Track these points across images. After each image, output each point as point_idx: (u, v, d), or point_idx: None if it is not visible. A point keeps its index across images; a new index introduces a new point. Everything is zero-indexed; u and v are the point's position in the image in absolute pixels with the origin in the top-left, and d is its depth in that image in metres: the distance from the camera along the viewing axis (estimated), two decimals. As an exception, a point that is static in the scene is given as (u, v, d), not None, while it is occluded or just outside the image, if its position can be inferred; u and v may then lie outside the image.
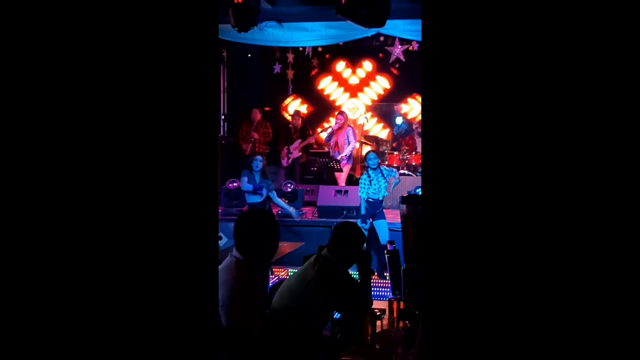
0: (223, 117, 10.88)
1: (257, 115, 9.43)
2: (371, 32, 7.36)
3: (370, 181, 6.64)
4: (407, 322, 2.81)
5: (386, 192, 6.73)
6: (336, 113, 8.98)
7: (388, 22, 6.51)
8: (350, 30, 7.34)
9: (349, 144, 8.56)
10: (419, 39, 8.03)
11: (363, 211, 6.62)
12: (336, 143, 8.71)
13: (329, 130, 8.83)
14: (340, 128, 8.63)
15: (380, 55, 10.80)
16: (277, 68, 11.10)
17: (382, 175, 6.66)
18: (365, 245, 4.04)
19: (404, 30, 7.50)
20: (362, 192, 6.64)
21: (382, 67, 11.02)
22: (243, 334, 2.22)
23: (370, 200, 6.66)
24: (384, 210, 6.79)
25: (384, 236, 6.63)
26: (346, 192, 7.73)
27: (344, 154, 8.53)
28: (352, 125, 8.94)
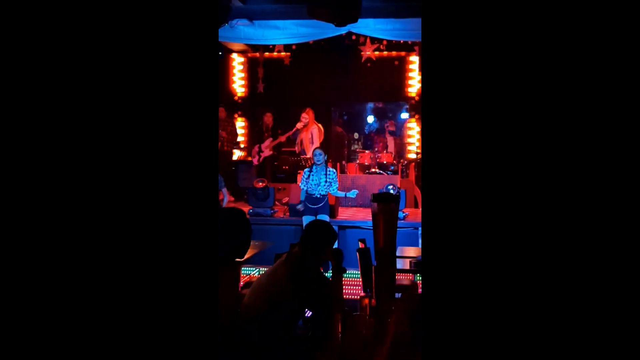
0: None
1: (222, 113, 9.34)
2: (343, 30, 7.37)
3: (309, 175, 6.89)
4: (378, 318, 2.83)
5: (324, 191, 6.85)
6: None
7: (359, 20, 6.53)
8: (321, 29, 7.34)
9: (312, 143, 8.58)
10: (390, 37, 8.07)
11: (302, 198, 6.91)
12: (301, 141, 8.74)
13: (295, 129, 8.86)
14: (305, 127, 8.65)
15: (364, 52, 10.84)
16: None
17: (325, 173, 6.80)
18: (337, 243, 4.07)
19: (375, 29, 7.53)
20: (301, 184, 6.95)
21: (354, 66, 11.06)
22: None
23: (309, 194, 6.88)
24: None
25: None
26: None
27: (308, 155, 8.57)
28: (318, 124, 8.94)
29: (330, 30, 7.33)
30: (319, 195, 6.85)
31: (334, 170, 6.99)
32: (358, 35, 9.50)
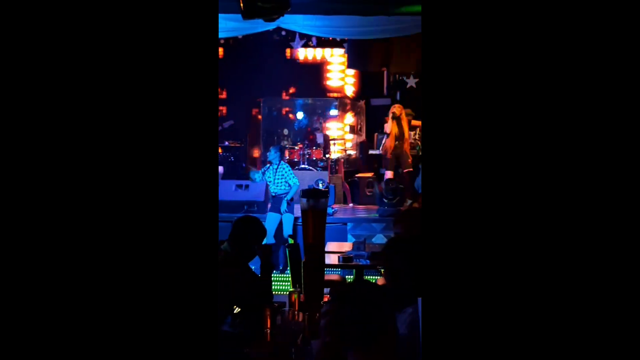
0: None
1: None
2: (272, 25, 7.34)
3: (264, 172, 7.05)
4: (307, 314, 2.84)
5: (278, 190, 6.91)
6: None
7: (288, 16, 6.53)
8: (250, 24, 7.29)
9: None
10: (318, 34, 8.12)
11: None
12: None
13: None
14: None
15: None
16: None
17: (276, 171, 6.84)
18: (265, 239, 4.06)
19: (304, 25, 7.55)
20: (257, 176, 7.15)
21: (284, 61, 11.05)
22: None
23: (272, 194, 7.01)
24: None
25: (286, 229, 6.92)
26: (247, 186, 7.71)
27: None
28: None
29: (259, 26, 7.29)
30: (273, 193, 6.91)
31: (287, 166, 7.06)
32: (287, 31, 9.50)
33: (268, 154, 7.02)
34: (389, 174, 8.64)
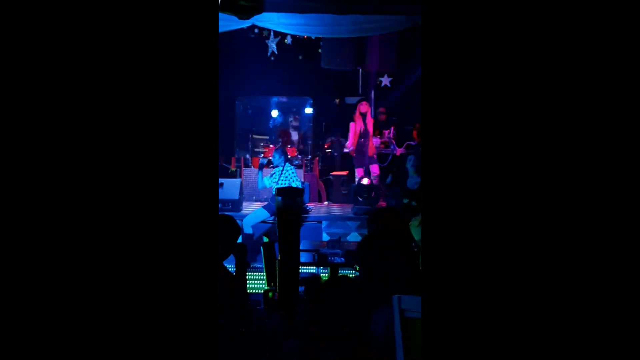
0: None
1: None
2: (246, 23, 7.31)
3: (272, 175, 7.09)
4: (282, 312, 2.84)
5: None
6: None
7: (264, 14, 6.51)
8: (225, 21, 7.24)
9: None
10: (294, 32, 8.11)
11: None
12: None
13: None
14: None
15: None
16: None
17: (281, 173, 6.88)
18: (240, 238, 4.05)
19: (279, 23, 7.53)
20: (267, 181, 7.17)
21: (258, 59, 10.99)
22: None
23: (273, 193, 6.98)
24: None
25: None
26: (221, 184, 7.68)
27: None
28: None
29: (233, 23, 7.25)
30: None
31: (292, 168, 7.06)
32: (261, 29, 9.45)
33: (272, 159, 7.10)
34: (359, 172, 8.67)
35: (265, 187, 7.27)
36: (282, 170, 6.99)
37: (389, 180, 8.11)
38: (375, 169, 8.59)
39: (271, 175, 7.13)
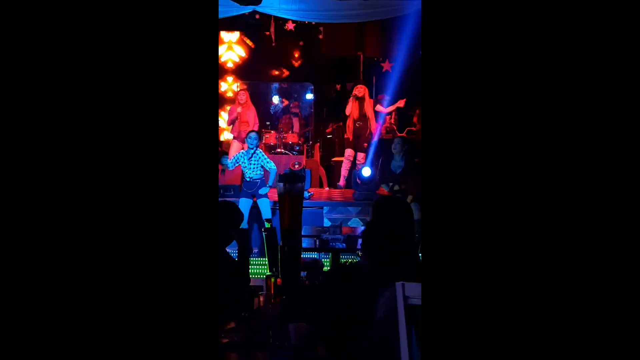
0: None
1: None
2: (247, 9, 7.29)
3: (237, 158, 6.99)
4: (284, 297, 2.86)
5: (254, 175, 6.92)
6: (236, 88, 8.75)
7: (264, 0, 6.49)
8: (225, 7, 7.22)
9: (250, 125, 8.40)
10: (294, 18, 8.09)
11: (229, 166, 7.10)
12: (246, 122, 8.46)
13: (236, 110, 8.50)
14: (244, 105, 8.45)
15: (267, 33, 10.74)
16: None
17: (251, 156, 6.83)
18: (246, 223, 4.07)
19: (280, 9, 7.52)
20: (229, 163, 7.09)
21: (259, 45, 10.96)
22: None
23: (247, 179, 6.95)
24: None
25: (264, 214, 6.89)
26: (222, 171, 7.70)
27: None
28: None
29: (234, 9, 7.23)
30: (248, 179, 6.90)
31: (261, 152, 7.03)
32: (262, 15, 9.42)
33: (247, 138, 6.96)
34: (348, 152, 8.63)
35: (226, 167, 7.17)
36: (253, 153, 6.93)
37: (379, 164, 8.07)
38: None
39: (237, 159, 6.99)
